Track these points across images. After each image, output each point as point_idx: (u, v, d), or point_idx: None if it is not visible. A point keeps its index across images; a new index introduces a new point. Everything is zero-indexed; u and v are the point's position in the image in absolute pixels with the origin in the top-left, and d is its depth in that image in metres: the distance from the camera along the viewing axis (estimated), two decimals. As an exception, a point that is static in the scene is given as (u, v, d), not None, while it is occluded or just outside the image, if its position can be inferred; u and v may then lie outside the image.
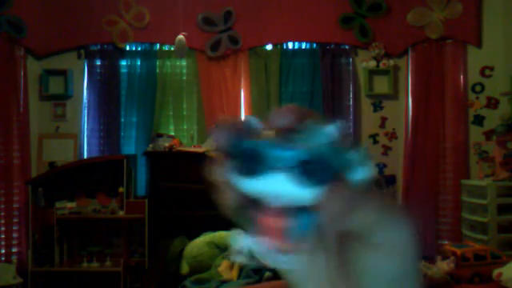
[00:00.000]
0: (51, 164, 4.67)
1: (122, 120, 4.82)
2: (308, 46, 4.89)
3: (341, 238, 0.44)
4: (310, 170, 0.30)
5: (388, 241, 0.43)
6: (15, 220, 4.52)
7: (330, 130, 0.35)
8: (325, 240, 0.44)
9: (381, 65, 4.74)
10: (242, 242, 0.30)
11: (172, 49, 4.78)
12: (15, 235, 4.53)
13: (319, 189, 0.31)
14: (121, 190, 4.30)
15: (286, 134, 0.31)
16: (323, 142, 0.34)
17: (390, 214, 0.45)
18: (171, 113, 4.86)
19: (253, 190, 0.29)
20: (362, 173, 0.38)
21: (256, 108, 4.80)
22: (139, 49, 4.88)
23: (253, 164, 0.29)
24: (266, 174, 0.29)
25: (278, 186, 0.29)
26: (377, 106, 4.87)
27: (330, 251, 0.45)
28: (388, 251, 0.43)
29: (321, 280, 0.48)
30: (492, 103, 4.68)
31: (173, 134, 4.79)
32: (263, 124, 0.30)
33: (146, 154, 4.53)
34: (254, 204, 0.29)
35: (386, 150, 4.86)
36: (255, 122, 0.30)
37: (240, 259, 0.33)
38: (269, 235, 0.29)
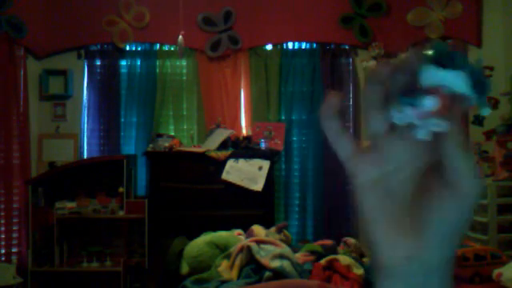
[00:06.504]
0: (51, 164, 4.67)
1: (122, 120, 4.82)
2: (308, 46, 4.89)
3: (431, 175, 0.48)
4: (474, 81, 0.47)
5: (470, 191, 0.46)
6: (15, 220, 4.51)
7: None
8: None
9: (381, 65, 4.73)
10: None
11: (172, 49, 4.79)
12: (15, 235, 4.52)
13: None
14: (121, 189, 4.30)
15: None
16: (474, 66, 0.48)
17: (473, 160, 0.47)
18: (171, 113, 4.86)
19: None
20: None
21: (256, 108, 4.80)
22: (139, 49, 4.88)
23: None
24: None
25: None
26: (377, 106, 4.86)
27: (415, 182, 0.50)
28: (466, 201, 0.46)
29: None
30: (492, 103, 4.67)
31: (173, 134, 4.78)
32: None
33: (146, 153, 4.52)
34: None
35: (386, 149, 4.85)
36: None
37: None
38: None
